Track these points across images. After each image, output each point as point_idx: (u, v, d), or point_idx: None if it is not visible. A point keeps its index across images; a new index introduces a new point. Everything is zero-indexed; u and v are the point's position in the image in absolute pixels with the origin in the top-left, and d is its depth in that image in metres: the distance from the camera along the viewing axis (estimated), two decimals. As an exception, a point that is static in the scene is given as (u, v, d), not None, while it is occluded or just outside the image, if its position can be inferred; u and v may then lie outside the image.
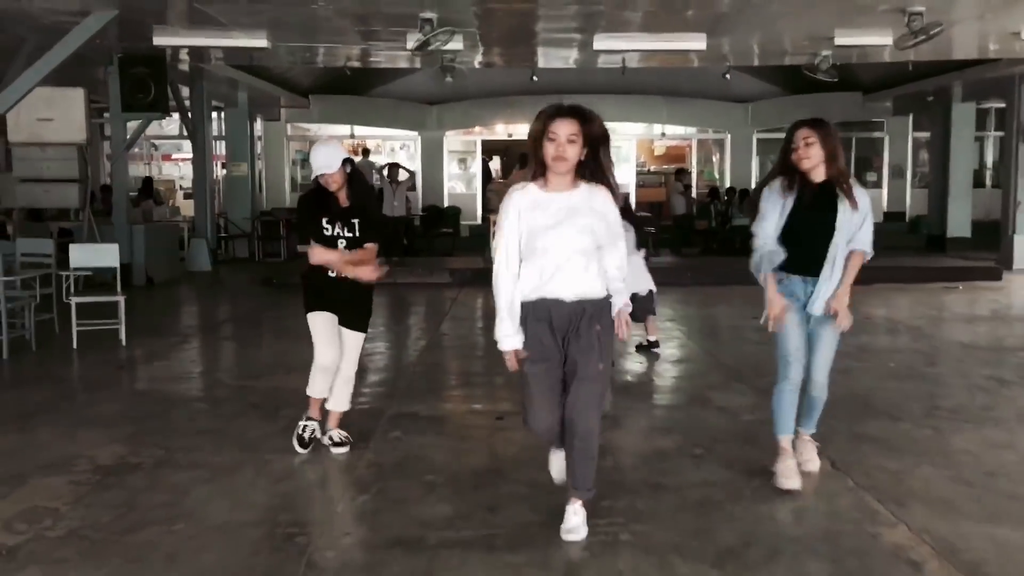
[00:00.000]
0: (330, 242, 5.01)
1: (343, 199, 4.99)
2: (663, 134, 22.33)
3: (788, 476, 4.44)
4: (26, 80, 9.87)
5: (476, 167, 22.09)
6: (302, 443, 5.13)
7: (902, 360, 7.84)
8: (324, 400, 5.21)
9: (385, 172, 15.90)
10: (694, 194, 19.62)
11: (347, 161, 4.94)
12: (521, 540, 3.81)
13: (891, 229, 20.24)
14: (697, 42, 11.09)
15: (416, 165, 21.11)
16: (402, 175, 15.94)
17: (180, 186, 22.54)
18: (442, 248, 18.36)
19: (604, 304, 3.77)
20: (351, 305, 5.10)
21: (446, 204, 20.97)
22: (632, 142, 22.12)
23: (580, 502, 3.85)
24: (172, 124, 21.37)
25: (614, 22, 10.22)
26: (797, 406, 4.55)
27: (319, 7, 9.20)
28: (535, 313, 3.73)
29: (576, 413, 3.72)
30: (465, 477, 4.68)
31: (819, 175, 4.38)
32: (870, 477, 4.58)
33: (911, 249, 17.44)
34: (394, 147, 22.17)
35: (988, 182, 21.99)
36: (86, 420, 5.89)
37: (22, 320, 8.53)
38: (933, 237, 18.71)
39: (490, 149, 22.29)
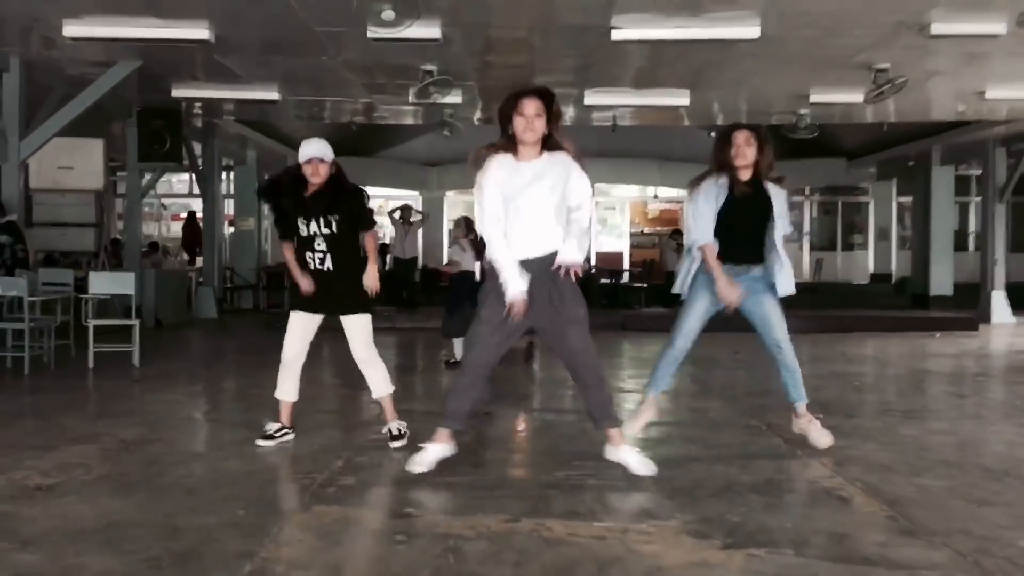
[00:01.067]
0: (307, 242, 5.01)
1: (320, 194, 4.95)
2: (656, 196, 23.09)
3: (632, 421, 5.17)
4: (51, 127, 10.49)
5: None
6: (264, 437, 5.19)
7: (867, 381, 8.36)
8: (293, 404, 5.25)
9: (397, 214, 16.42)
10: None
11: (335, 163, 5.01)
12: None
13: (878, 290, 20.89)
14: (681, 98, 11.82)
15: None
16: (415, 216, 16.54)
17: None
18: (440, 301, 18.89)
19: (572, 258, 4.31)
20: (340, 292, 5.06)
21: (445, 261, 21.57)
22: (626, 204, 22.87)
23: (617, 431, 4.52)
24: (182, 183, 22.22)
25: (604, 77, 10.93)
26: (782, 384, 5.13)
27: (327, 59, 9.93)
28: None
29: (576, 356, 4.33)
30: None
31: (746, 175, 4.95)
32: (816, 449, 5.07)
33: (896, 307, 18.00)
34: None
35: (971, 246, 22.65)
36: (107, 413, 6.41)
37: (40, 343, 9.05)
38: (917, 296, 19.29)
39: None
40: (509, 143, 4.32)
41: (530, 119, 4.22)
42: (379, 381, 5.20)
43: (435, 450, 4.45)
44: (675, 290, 5.17)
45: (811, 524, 3.74)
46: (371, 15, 7.35)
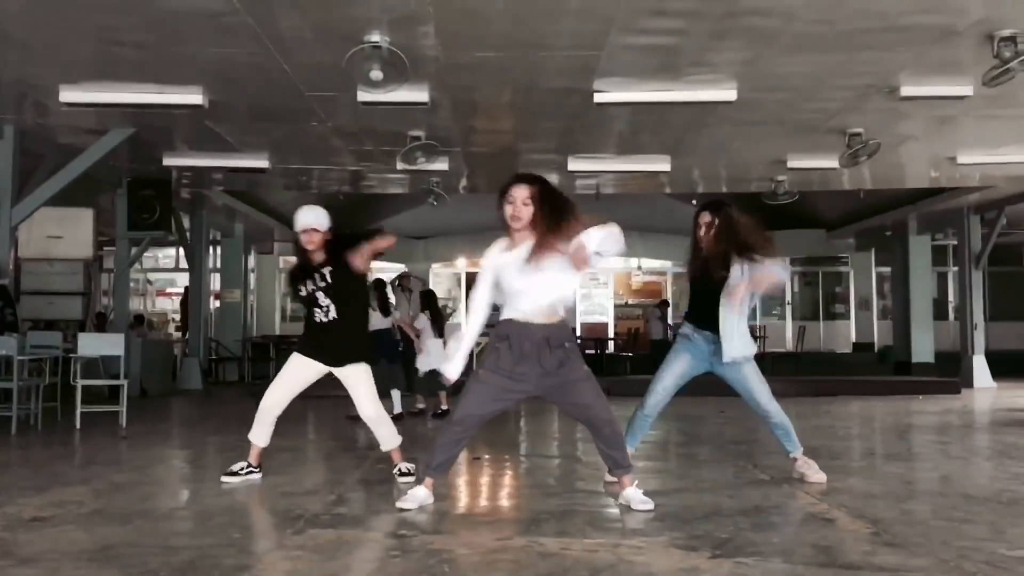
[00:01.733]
0: (309, 301, 5.28)
1: (318, 257, 5.24)
2: (639, 268, 23.38)
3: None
4: (42, 194, 10.61)
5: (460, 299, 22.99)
6: (228, 473, 5.31)
7: (851, 432, 8.45)
8: (262, 450, 5.36)
9: (397, 283, 16.39)
10: (671, 322, 20.45)
11: (331, 229, 5.24)
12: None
13: (861, 359, 21.09)
14: (663, 164, 12.12)
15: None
16: (414, 284, 16.62)
17: (172, 318, 23.25)
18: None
19: (567, 327, 4.50)
20: (342, 344, 5.25)
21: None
22: (610, 276, 23.14)
23: (628, 477, 4.57)
24: (168, 259, 22.36)
25: (587, 143, 11.23)
26: (777, 440, 5.28)
27: (317, 124, 10.18)
28: (506, 333, 4.40)
29: (587, 411, 4.47)
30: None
31: (708, 251, 5.19)
32: (803, 484, 5.16)
33: (879, 374, 18.16)
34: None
35: (951, 315, 22.95)
36: (96, 462, 6.42)
37: (27, 405, 9.04)
38: (899, 364, 19.46)
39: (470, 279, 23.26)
40: (507, 230, 4.44)
41: (517, 207, 4.33)
42: (388, 436, 5.44)
43: (422, 492, 4.50)
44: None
45: (797, 539, 3.82)
46: (360, 76, 7.59)
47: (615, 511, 4.56)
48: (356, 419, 8.48)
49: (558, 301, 4.42)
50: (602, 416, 4.51)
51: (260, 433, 5.37)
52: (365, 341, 5.46)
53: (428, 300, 10.85)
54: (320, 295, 5.25)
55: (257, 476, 5.35)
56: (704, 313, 5.18)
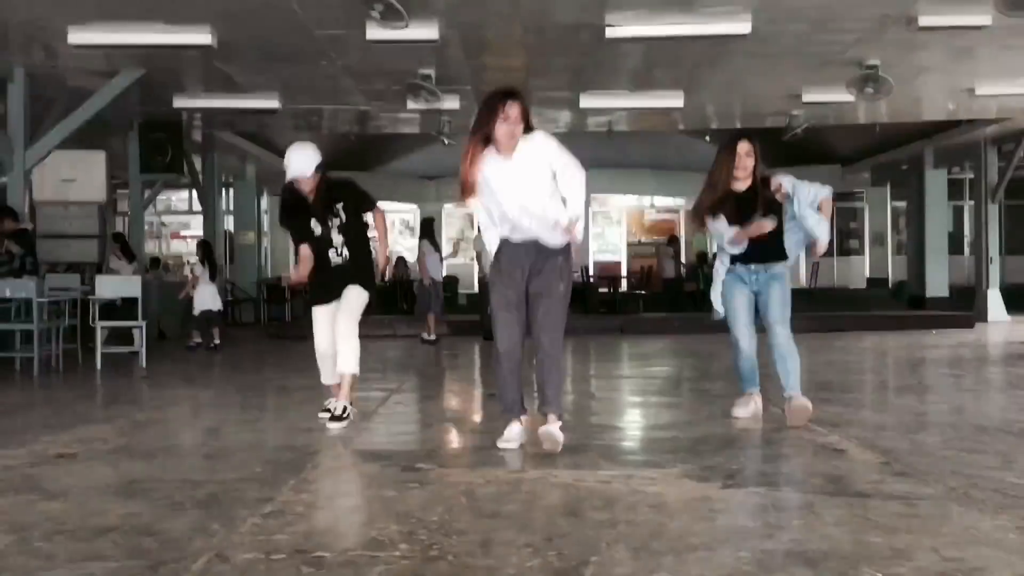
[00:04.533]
0: (323, 242, 5.23)
1: (322, 193, 5.18)
2: (652, 205, 23.29)
3: (740, 407, 5.10)
4: (54, 137, 10.62)
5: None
6: (324, 410, 5.33)
7: (864, 366, 8.50)
8: (337, 385, 5.35)
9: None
10: (683, 260, 20.43)
11: (320, 167, 5.17)
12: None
13: (875, 294, 21.03)
14: (676, 100, 12.00)
15: (416, 238, 22.02)
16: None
17: (188, 261, 23.37)
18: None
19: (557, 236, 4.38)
20: (353, 273, 5.26)
21: (444, 274, 21.74)
22: (623, 214, 23.06)
23: (555, 416, 4.41)
24: (181, 201, 22.42)
25: (599, 79, 11.13)
26: (777, 372, 5.18)
27: (326, 64, 10.12)
28: (504, 250, 4.43)
29: (542, 329, 4.36)
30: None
31: (746, 184, 5.12)
32: (815, 417, 5.18)
33: (893, 310, 18.15)
34: (394, 221, 23.08)
35: (967, 249, 22.83)
36: (119, 401, 6.55)
37: (48, 348, 9.16)
38: (913, 298, 19.42)
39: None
40: (490, 139, 4.33)
41: (512, 124, 4.27)
42: (348, 355, 5.22)
43: (517, 429, 4.46)
44: (716, 311, 5.30)
45: (808, 469, 3.87)
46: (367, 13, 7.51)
47: (628, 444, 4.64)
48: (431, 342, 9.58)
49: (549, 206, 4.35)
50: (549, 345, 4.35)
51: (325, 375, 5.40)
52: (371, 275, 5.42)
53: (206, 250, 12.52)
54: (335, 234, 5.24)
55: (353, 411, 5.32)
56: (747, 248, 5.06)
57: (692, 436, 4.65)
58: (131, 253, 12.92)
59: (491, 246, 4.57)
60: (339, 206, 5.23)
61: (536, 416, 4.43)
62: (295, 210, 5.30)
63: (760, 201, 5.07)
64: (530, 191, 4.34)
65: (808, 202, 5.05)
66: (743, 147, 5.12)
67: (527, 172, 4.34)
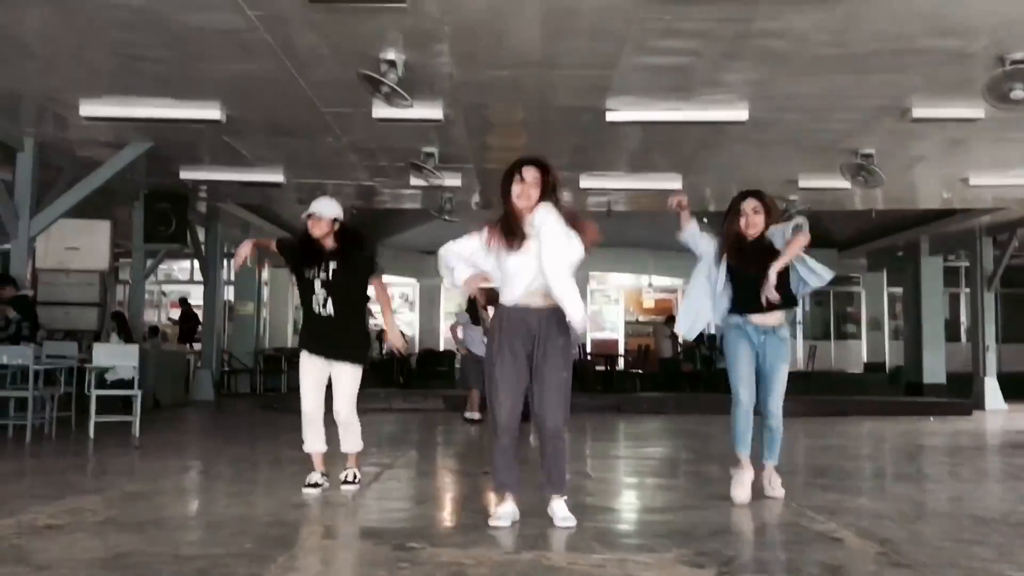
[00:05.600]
0: (308, 287, 5.28)
1: (328, 244, 5.30)
2: (650, 285, 23.39)
3: (739, 486, 5.06)
4: (60, 206, 10.72)
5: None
6: (308, 485, 5.40)
7: (861, 452, 8.45)
8: (323, 455, 5.43)
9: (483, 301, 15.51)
10: (680, 340, 20.43)
11: (337, 220, 5.31)
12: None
13: (872, 379, 20.99)
14: (674, 182, 12.16)
15: (416, 312, 22.11)
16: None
17: (167, 327, 23.33)
18: (436, 384, 19.04)
19: (561, 312, 4.38)
20: (338, 339, 5.29)
21: (442, 348, 21.76)
22: (621, 293, 23.17)
23: (562, 498, 4.44)
24: (182, 271, 22.50)
25: (599, 161, 11.29)
26: (760, 441, 5.19)
27: (332, 140, 10.28)
28: (508, 319, 4.43)
29: (546, 411, 4.36)
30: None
31: (755, 234, 5.19)
32: (811, 501, 5.18)
33: (891, 395, 18.09)
34: (392, 295, 23.16)
35: (963, 337, 22.86)
36: (110, 472, 6.50)
37: (42, 414, 9.13)
38: (911, 384, 19.39)
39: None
40: (506, 215, 4.45)
41: (527, 186, 4.40)
42: (352, 439, 5.47)
43: (510, 508, 4.44)
44: (677, 328, 5.34)
45: (805, 558, 3.83)
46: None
47: (623, 527, 4.59)
48: (474, 420, 9.89)
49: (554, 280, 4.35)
50: (551, 424, 4.36)
51: (312, 441, 5.40)
52: (361, 342, 5.50)
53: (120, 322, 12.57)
54: (318, 285, 5.29)
55: (317, 476, 5.41)
56: (752, 300, 5.07)
57: (688, 520, 4.61)
58: (128, 333, 12.92)
59: (457, 279, 4.66)
60: (332, 262, 5.26)
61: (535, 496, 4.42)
62: (302, 254, 5.36)
63: (770, 251, 5.07)
64: (534, 263, 4.37)
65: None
66: (749, 204, 5.17)
67: (534, 242, 4.37)
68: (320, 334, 5.34)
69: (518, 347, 4.39)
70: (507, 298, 4.44)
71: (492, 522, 4.34)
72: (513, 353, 4.39)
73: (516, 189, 4.41)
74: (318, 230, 5.28)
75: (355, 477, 5.48)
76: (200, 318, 19.18)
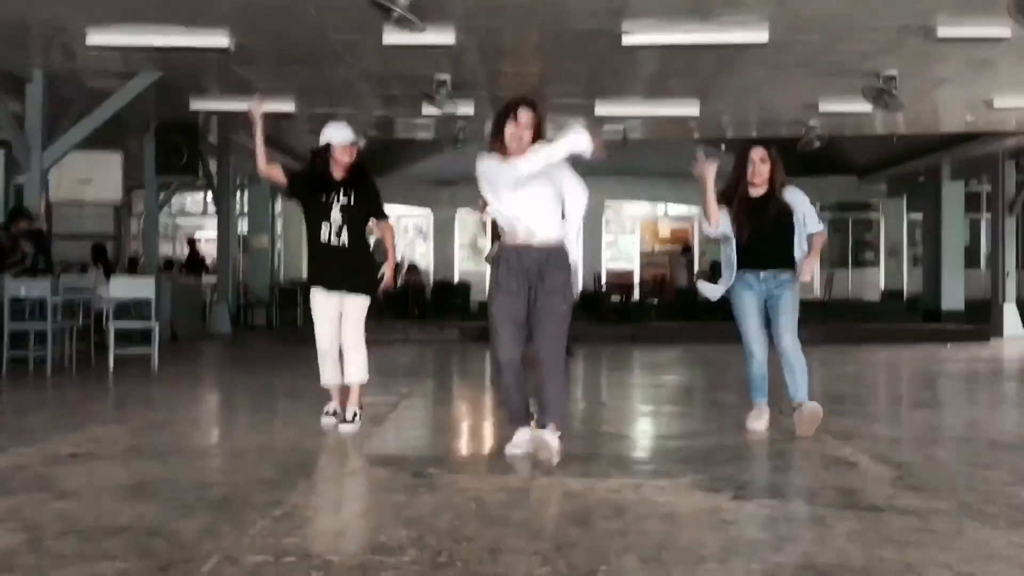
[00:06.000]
0: (325, 210, 5.10)
1: (339, 173, 5.12)
2: (666, 214, 23.24)
3: (756, 419, 5.06)
4: (72, 138, 10.66)
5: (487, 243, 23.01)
6: (326, 414, 5.38)
7: (878, 379, 8.45)
8: (339, 387, 5.35)
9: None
10: (696, 269, 20.38)
11: (356, 145, 5.17)
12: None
13: (889, 307, 20.92)
14: (691, 108, 11.97)
15: (430, 242, 22.10)
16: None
17: (179, 260, 23.42)
18: (452, 318, 19.08)
19: (563, 250, 4.43)
20: (350, 269, 5.21)
21: (456, 280, 21.79)
22: (636, 222, 23.04)
23: (554, 425, 4.35)
24: (195, 204, 22.49)
25: (614, 87, 11.12)
26: (785, 382, 5.18)
27: (343, 69, 10.15)
28: (505, 257, 4.42)
29: (543, 344, 4.35)
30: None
31: (762, 190, 5.13)
32: (827, 427, 5.17)
33: (908, 323, 18.04)
34: (407, 226, 23.14)
35: (983, 263, 22.68)
36: (131, 402, 6.57)
37: (61, 348, 9.19)
38: (929, 311, 19.30)
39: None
40: (500, 144, 4.41)
41: (520, 128, 4.34)
42: (358, 365, 5.25)
43: (525, 434, 4.42)
44: (715, 295, 5.31)
45: (820, 482, 3.85)
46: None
47: (639, 454, 4.62)
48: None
49: (552, 218, 4.40)
50: (548, 359, 4.34)
51: (328, 373, 5.32)
52: (372, 272, 5.37)
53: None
54: (335, 211, 5.15)
55: (335, 406, 5.34)
56: (757, 253, 5.09)
57: (703, 446, 4.63)
58: (108, 265, 12.76)
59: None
60: (354, 192, 5.16)
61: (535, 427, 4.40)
62: (315, 181, 5.20)
63: (773, 208, 5.08)
64: (530, 196, 4.35)
65: (805, 232, 5.12)
66: (756, 153, 5.15)
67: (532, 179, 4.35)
68: (333, 265, 5.23)
69: (517, 285, 4.38)
70: (507, 238, 4.43)
71: (509, 449, 4.36)
72: (511, 291, 4.38)
73: (509, 129, 4.35)
74: (347, 156, 5.13)
75: (355, 416, 5.23)
76: (205, 259, 19.28)
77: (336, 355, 5.34)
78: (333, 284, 5.25)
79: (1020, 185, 16.25)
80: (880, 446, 4.62)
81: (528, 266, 4.37)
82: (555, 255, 4.39)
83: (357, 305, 5.28)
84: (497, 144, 4.43)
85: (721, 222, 5.16)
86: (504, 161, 4.37)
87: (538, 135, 4.38)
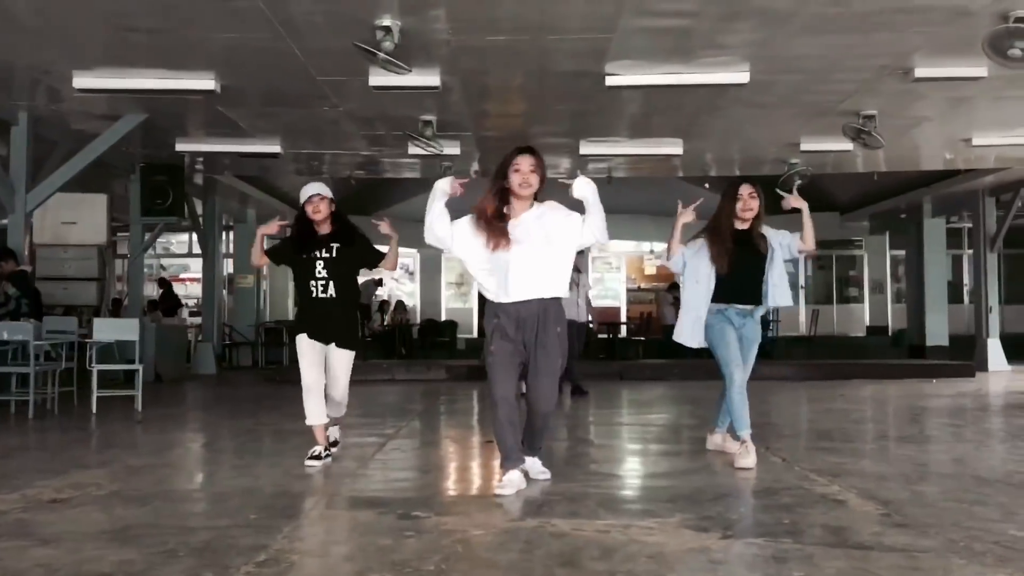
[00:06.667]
0: (309, 267, 5.25)
1: (325, 228, 5.30)
2: (652, 252, 23.34)
3: (742, 458, 5.07)
4: (56, 180, 10.64)
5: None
6: (311, 457, 5.39)
7: (864, 415, 8.46)
8: (325, 426, 5.43)
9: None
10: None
11: (334, 202, 5.33)
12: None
13: (874, 342, 21.00)
14: (675, 147, 12.09)
15: (417, 282, 22.08)
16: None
17: (186, 304, 23.34)
18: (439, 356, 19.03)
19: (560, 306, 4.57)
20: (337, 324, 5.32)
21: (443, 319, 21.76)
22: (622, 260, 23.12)
23: (536, 458, 4.72)
24: (181, 244, 22.44)
25: (599, 127, 11.20)
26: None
27: (328, 109, 10.20)
28: (504, 312, 4.47)
29: (537, 401, 4.54)
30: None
31: (745, 225, 5.25)
32: (814, 465, 5.19)
33: (893, 358, 18.10)
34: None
35: (966, 298, 22.83)
36: (113, 446, 6.50)
37: (44, 390, 9.12)
38: (913, 347, 19.39)
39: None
40: (502, 199, 4.53)
41: (526, 175, 4.46)
42: (338, 410, 5.60)
43: (517, 476, 4.49)
44: (678, 338, 5.42)
45: (807, 520, 3.83)
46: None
47: (627, 493, 4.60)
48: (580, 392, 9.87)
49: (553, 274, 4.50)
50: (543, 407, 4.58)
51: (314, 412, 5.36)
52: (357, 327, 5.58)
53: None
54: (320, 266, 5.26)
55: (319, 450, 5.39)
56: (738, 287, 5.28)
57: (691, 485, 4.62)
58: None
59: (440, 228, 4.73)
60: (335, 245, 5.27)
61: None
62: (297, 243, 5.34)
63: (754, 243, 5.21)
64: (534, 255, 4.40)
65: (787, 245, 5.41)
66: (745, 189, 5.28)
67: (536, 235, 4.49)
68: (320, 318, 5.32)
69: (514, 332, 4.49)
70: (500, 296, 4.47)
71: (497, 490, 4.36)
72: (509, 337, 4.49)
73: (516, 179, 4.43)
74: (319, 213, 5.26)
75: (335, 443, 5.62)
76: (179, 297, 19.21)
77: (321, 391, 5.40)
78: (321, 338, 5.33)
79: (1000, 221, 16.42)
80: (867, 483, 4.62)
81: (525, 316, 4.47)
82: (550, 309, 4.49)
83: (344, 360, 5.40)
84: (497, 197, 4.46)
85: (681, 258, 5.31)
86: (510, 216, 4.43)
87: (544, 179, 4.52)
